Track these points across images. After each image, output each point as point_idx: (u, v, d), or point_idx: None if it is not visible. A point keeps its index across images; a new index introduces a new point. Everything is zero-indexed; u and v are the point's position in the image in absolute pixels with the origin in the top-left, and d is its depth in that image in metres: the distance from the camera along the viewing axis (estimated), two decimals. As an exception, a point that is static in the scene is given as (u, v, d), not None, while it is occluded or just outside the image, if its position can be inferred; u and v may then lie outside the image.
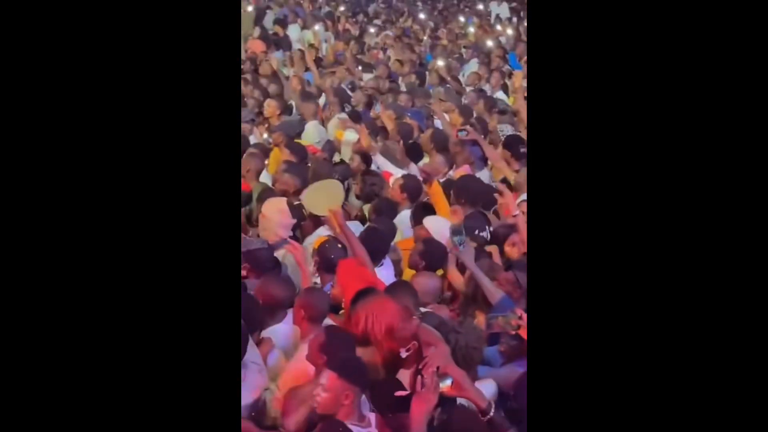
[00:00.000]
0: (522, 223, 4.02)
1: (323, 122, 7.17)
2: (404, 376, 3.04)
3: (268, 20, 12.27)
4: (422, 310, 3.36)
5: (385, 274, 3.90)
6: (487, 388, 2.89)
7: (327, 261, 3.79)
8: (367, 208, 4.91)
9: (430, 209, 4.50)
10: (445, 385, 2.35)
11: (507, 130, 6.18)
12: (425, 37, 12.49)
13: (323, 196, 4.01)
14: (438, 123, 6.84)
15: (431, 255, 3.83)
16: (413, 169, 5.31)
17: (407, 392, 2.50)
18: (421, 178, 4.85)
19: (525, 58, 10.12)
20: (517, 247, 4.00)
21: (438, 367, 2.53)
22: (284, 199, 4.28)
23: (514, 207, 4.11)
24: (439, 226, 4.04)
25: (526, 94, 7.61)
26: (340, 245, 3.86)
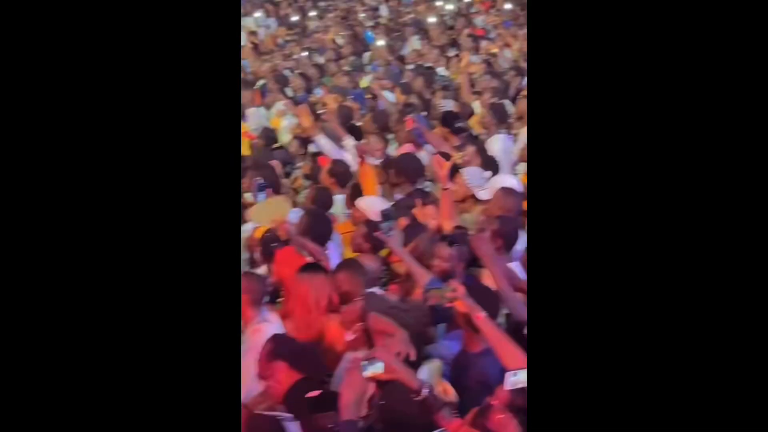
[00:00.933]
0: (446, 197, 3.99)
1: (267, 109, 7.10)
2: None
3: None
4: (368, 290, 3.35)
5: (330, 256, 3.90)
6: (427, 369, 2.88)
7: (269, 251, 3.77)
8: (301, 196, 4.88)
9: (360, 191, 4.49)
10: (376, 369, 2.32)
11: (447, 105, 6.18)
12: (362, 15, 12.40)
13: (270, 211, 4.00)
14: (381, 103, 6.83)
15: (374, 237, 3.80)
16: (350, 144, 5.26)
17: (319, 392, 2.49)
18: (358, 157, 4.82)
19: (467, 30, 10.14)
20: (435, 221, 3.97)
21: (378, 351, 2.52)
22: None
23: (446, 179, 4.08)
24: (372, 206, 4.02)
25: (470, 72, 7.62)
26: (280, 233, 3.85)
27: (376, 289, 3.48)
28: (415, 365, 2.71)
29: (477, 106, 6.68)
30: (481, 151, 4.95)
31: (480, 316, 2.65)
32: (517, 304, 3.03)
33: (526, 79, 7.29)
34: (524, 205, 3.97)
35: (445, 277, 3.40)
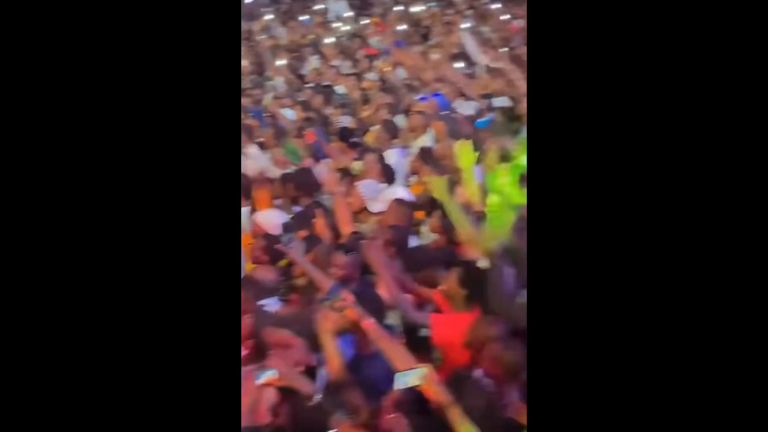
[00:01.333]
0: (340, 202, 4.08)
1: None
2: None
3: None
4: (259, 303, 3.39)
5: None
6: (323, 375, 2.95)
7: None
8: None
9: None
10: (268, 376, 2.38)
11: (344, 121, 6.34)
12: (263, 36, 12.45)
13: None
14: (281, 121, 6.91)
15: (273, 249, 3.85)
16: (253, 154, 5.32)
17: None
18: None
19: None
20: (323, 229, 4.07)
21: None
22: None
23: (335, 185, 4.17)
24: (270, 220, 4.08)
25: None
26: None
27: (270, 302, 3.53)
28: (313, 372, 2.78)
29: (373, 122, 6.87)
30: (377, 164, 5.11)
31: (368, 323, 2.74)
32: (408, 306, 3.15)
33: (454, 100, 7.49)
34: (415, 214, 4.14)
35: (343, 283, 3.49)
